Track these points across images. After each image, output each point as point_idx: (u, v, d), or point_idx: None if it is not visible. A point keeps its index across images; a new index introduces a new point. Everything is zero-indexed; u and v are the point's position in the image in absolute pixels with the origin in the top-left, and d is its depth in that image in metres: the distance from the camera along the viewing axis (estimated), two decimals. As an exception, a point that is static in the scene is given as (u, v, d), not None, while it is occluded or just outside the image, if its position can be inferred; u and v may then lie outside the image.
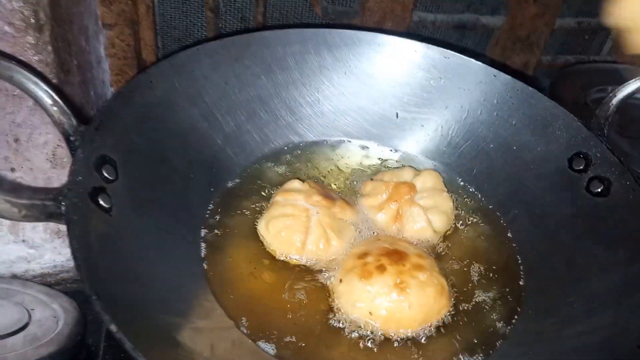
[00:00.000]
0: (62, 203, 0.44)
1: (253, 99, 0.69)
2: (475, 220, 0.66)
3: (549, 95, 0.67)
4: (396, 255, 0.56)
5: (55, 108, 0.50)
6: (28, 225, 0.75)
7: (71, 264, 0.80)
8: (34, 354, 0.65)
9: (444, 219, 0.64)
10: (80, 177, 0.47)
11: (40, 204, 0.42)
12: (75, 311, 0.76)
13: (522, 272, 0.60)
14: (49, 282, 0.83)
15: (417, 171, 0.68)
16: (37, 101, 0.50)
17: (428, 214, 0.63)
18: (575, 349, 0.49)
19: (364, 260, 0.56)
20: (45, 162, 0.69)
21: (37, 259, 0.79)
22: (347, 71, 0.73)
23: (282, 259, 0.59)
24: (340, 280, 0.56)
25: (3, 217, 0.40)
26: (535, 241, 0.62)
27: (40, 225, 0.75)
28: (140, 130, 0.57)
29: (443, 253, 0.62)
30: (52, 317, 0.74)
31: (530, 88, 0.68)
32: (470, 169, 0.70)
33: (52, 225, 0.76)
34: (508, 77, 0.69)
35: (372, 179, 0.69)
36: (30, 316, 0.72)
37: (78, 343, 0.72)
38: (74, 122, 0.51)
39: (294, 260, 0.59)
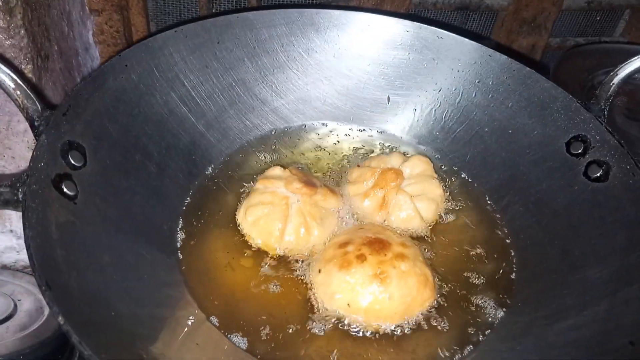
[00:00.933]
0: (19, 190, 0.42)
1: (236, 83, 0.67)
2: (466, 207, 0.63)
3: (552, 78, 0.63)
4: (378, 244, 0.53)
5: (18, 92, 0.48)
6: (14, 216, 0.74)
7: (60, 254, 0.79)
8: (19, 343, 0.64)
9: (432, 206, 0.61)
10: (42, 164, 0.46)
11: (-6, 192, 0.40)
12: (62, 302, 0.75)
13: (514, 263, 0.57)
14: (38, 272, 0.82)
15: (406, 157, 0.65)
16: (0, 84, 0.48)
17: (416, 202, 0.60)
18: (565, 344, 0.46)
19: (344, 250, 0.53)
20: (27, 150, 0.68)
21: (25, 249, 0.78)
22: (335, 53, 0.70)
23: (260, 248, 0.57)
24: (319, 271, 0.54)
25: (-47, 205, 0.38)
26: (529, 230, 0.59)
27: (26, 215, 0.74)
28: (113, 115, 0.55)
29: (431, 242, 0.59)
30: (39, 307, 0.73)
31: (527, 68, 0.64)
32: (464, 154, 0.67)
33: (37, 214, 0.75)
34: (504, 57, 0.66)
35: (358, 165, 0.66)
36: (16, 306, 0.71)
37: (63, 334, 0.71)
38: (39, 106, 0.49)
39: (273, 250, 0.56)
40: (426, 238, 0.60)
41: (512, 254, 0.58)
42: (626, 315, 0.45)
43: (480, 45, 0.67)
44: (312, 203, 0.58)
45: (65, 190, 0.47)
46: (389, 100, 0.70)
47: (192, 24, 0.64)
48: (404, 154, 0.67)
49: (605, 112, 0.59)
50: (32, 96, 0.49)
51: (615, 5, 1.05)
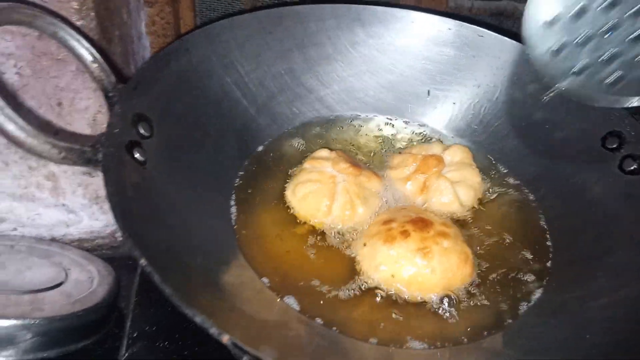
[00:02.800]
0: (100, 150, 0.46)
1: (285, 72, 0.70)
2: (504, 196, 0.65)
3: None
4: (421, 222, 0.56)
5: (95, 65, 0.52)
6: (68, 190, 0.78)
7: (108, 230, 0.84)
8: (68, 308, 0.67)
9: (471, 193, 0.64)
10: (117, 130, 0.49)
11: (79, 149, 0.44)
12: (109, 275, 0.79)
13: (550, 248, 0.60)
14: (85, 247, 0.86)
15: (446, 146, 0.68)
16: (78, 58, 0.52)
17: (455, 188, 0.63)
18: (600, 320, 0.49)
19: (389, 226, 0.56)
20: (86, 127, 0.72)
21: (76, 223, 0.82)
22: (379, 48, 0.73)
23: (307, 223, 0.60)
24: (364, 244, 0.57)
25: (43, 157, 0.42)
26: (564, 218, 0.61)
27: (80, 190, 0.78)
28: (175, 93, 0.59)
29: (470, 226, 0.62)
30: (88, 278, 0.77)
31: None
32: (501, 147, 0.69)
33: (90, 190, 0.79)
34: (543, 55, 0.68)
35: (400, 152, 0.69)
36: (66, 275, 0.75)
37: (110, 305, 0.74)
38: (113, 79, 0.53)
39: (320, 225, 0.60)
40: (465, 222, 0.62)
41: (549, 239, 0.60)
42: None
43: (519, 43, 0.69)
44: (356, 183, 0.61)
45: (136, 155, 0.51)
46: (429, 94, 0.73)
47: (247, 14, 0.68)
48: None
49: (641, 110, 0.61)
50: (108, 69, 0.53)
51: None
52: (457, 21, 0.71)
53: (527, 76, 0.69)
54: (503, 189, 0.66)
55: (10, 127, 0.40)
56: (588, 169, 0.62)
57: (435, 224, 0.57)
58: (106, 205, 0.80)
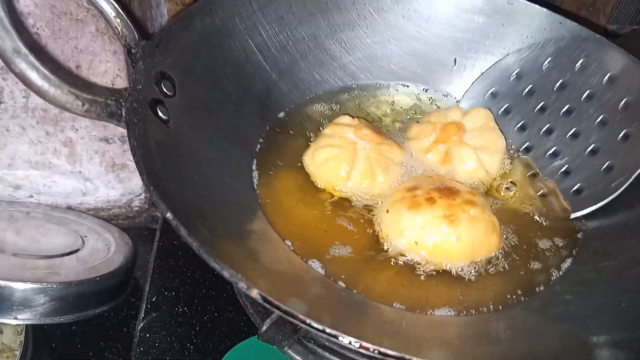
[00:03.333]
0: (123, 105, 0.45)
1: (308, 37, 0.68)
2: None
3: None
4: (447, 190, 0.54)
5: (118, 20, 0.51)
6: (85, 156, 0.77)
7: (124, 199, 0.83)
8: (84, 274, 0.67)
9: (496, 158, 0.61)
10: (140, 86, 0.48)
11: (103, 102, 0.43)
12: (126, 244, 0.78)
13: (582, 218, 0.58)
14: (101, 216, 0.85)
15: (465, 111, 0.65)
16: (101, 13, 0.51)
17: (479, 154, 0.61)
18: (636, 289, 0.47)
19: (413, 193, 0.55)
20: (105, 91, 0.71)
21: (92, 192, 0.81)
22: (405, 14, 0.71)
23: (326, 188, 0.59)
24: (387, 211, 0.55)
25: (66, 108, 0.41)
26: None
27: (96, 158, 0.78)
28: (198, 53, 0.57)
29: (497, 195, 0.60)
30: (104, 245, 0.76)
31: (597, 35, 0.65)
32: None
33: (107, 157, 0.78)
34: (574, 24, 0.66)
35: (418, 122, 0.66)
36: (83, 242, 0.75)
37: (127, 273, 0.74)
38: (136, 35, 0.51)
39: (338, 192, 0.58)
40: (491, 190, 0.61)
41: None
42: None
43: (550, 11, 0.67)
44: (378, 151, 0.60)
45: (159, 113, 0.49)
46: (455, 63, 0.71)
47: (270, -24, 0.66)
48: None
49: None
50: (131, 25, 0.51)
51: (677, -6, 1.04)
52: (487, -13, 0.69)
53: (556, 44, 0.67)
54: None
55: (33, 76, 0.39)
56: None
57: (462, 192, 0.55)
58: (123, 174, 0.80)
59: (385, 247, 0.53)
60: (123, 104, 0.45)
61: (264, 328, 0.47)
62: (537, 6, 0.68)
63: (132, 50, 0.51)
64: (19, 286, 0.61)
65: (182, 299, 0.62)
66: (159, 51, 0.52)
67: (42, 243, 0.74)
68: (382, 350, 0.34)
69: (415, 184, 0.57)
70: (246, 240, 0.49)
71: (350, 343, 0.35)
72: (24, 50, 0.39)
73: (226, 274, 0.35)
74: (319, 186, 0.59)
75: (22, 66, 0.39)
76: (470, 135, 0.63)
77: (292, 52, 0.68)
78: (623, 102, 0.61)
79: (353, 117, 0.63)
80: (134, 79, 0.48)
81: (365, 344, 0.34)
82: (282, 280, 0.46)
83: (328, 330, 0.34)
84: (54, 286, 0.63)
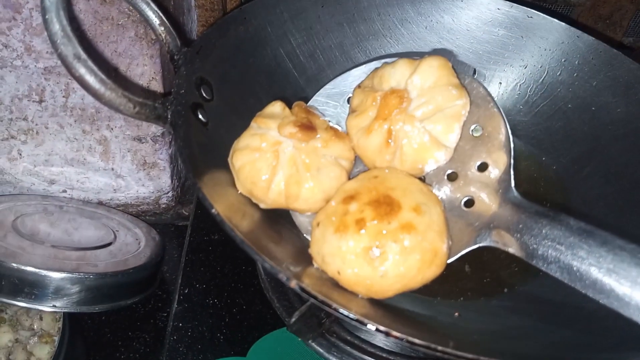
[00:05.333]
0: (169, 108, 0.48)
1: (335, 46, 0.71)
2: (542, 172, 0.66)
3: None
4: (385, 206, 0.46)
5: (162, 28, 0.54)
6: (118, 154, 0.81)
7: (153, 196, 0.86)
8: (116, 266, 0.71)
9: (452, 123, 0.50)
10: (183, 91, 0.51)
11: (152, 105, 0.46)
12: (154, 239, 0.82)
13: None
14: (130, 212, 0.89)
15: (415, 63, 0.53)
16: (146, 20, 0.54)
17: (431, 124, 0.50)
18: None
19: (346, 208, 0.47)
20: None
21: (122, 188, 0.85)
22: (428, 25, 0.74)
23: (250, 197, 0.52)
24: (318, 224, 0.48)
25: (119, 110, 0.44)
26: (608, 198, 0.62)
27: (129, 155, 0.81)
28: (233, 60, 0.61)
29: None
30: (135, 240, 0.80)
31: (614, 50, 0.67)
32: (547, 127, 0.70)
33: (139, 156, 0.81)
34: (591, 38, 0.69)
35: (359, 86, 0.56)
36: (115, 236, 0.78)
37: (156, 266, 0.77)
38: (178, 42, 0.55)
39: (260, 202, 0.52)
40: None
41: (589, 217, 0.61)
42: None
43: (568, 26, 0.70)
44: (308, 150, 0.51)
45: (200, 116, 0.53)
46: (475, 73, 0.74)
47: (301, -13, 0.69)
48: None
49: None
50: (174, 32, 0.55)
51: (693, 8, 1.06)
52: (507, 1, 0.72)
53: (574, 58, 0.69)
54: (547, 169, 0.67)
55: (92, 80, 0.42)
56: (634, 151, 0.63)
57: (404, 208, 0.46)
58: (153, 172, 0.83)
59: (315, 265, 0.49)
60: (169, 107, 0.48)
61: (294, 320, 0.50)
62: (555, 20, 0.71)
63: (175, 57, 0.54)
64: (57, 275, 0.65)
65: (212, 291, 0.66)
66: (199, 58, 0.56)
67: (75, 236, 0.77)
68: (410, 339, 0.36)
69: (354, 190, 0.49)
70: (279, 232, 0.52)
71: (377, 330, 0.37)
72: (84, 55, 0.42)
73: (267, 265, 0.38)
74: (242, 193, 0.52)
75: (82, 71, 0.42)
76: (418, 100, 0.51)
77: (319, 60, 0.71)
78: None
79: (290, 104, 0.55)
80: (178, 83, 0.51)
81: (395, 333, 0.37)
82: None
83: (361, 319, 0.37)
84: (90, 277, 0.67)
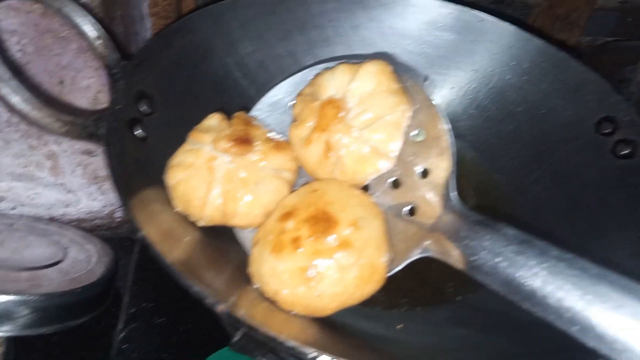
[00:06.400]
0: (102, 125, 0.47)
1: (286, 54, 0.70)
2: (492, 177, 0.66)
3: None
4: (323, 223, 0.45)
5: (100, 41, 0.53)
6: (67, 169, 0.79)
7: (106, 210, 0.84)
8: (66, 285, 0.69)
9: (393, 131, 0.49)
10: (119, 106, 0.50)
11: (82, 123, 0.45)
12: (107, 254, 0.80)
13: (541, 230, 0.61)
14: (84, 227, 0.87)
15: (356, 68, 0.52)
16: (83, 34, 0.53)
17: (370, 133, 0.49)
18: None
19: (283, 226, 0.46)
20: (88, 106, 0.73)
21: (74, 203, 0.83)
22: (380, 31, 0.74)
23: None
24: (256, 243, 0.48)
25: (46, 130, 0.43)
26: (556, 202, 0.62)
27: (79, 170, 0.79)
28: (177, 72, 0.59)
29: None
30: (86, 256, 0.78)
31: (563, 52, 0.68)
32: (497, 131, 0.70)
33: (89, 170, 0.80)
34: (540, 41, 0.69)
35: (300, 94, 0.55)
36: (65, 254, 0.76)
37: (108, 283, 0.75)
38: (117, 56, 0.53)
39: (197, 221, 0.50)
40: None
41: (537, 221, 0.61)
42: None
43: (518, 28, 0.70)
44: (247, 164, 0.49)
45: (137, 132, 0.51)
46: (427, 79, 0.74)
47: (250, -6, 0.68)
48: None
49: (635, 95, 0.62)
50: (112, 46, 0.53)
51: (648, 8, 1.08)
52: (458, 5, 0.71)
53: (524, 62, 0.69)
54: (498, 172, 0.67)
55: (16, 99, 0.41)
56: (582, 154, 0.63)
57: (342, 224, 0.45)
58: (105, 186, 0.81)
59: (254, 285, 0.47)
60: (102, 124, 0.47)
61: (236, 339, 0.49)
62: (505, 23, 0.71)
63: (113, 70, 0.53)
64: (1, 299, 0.63)
65: (160, 310, 0.64)
66: (138, 70, 0.54)
67: (24, 255, 0.75)
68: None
69: (292, 205, 0.48)
70: (220, 251, 0.51)
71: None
72: (7, 75, 0.41)
73: (194, 290, 0.37)
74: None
75: (5, 90, 0.41)
76: (357, 109, 0.50)
77: (270, 68, 0.70)
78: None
79: (227, 116, 0.54)
80: (114, 98, 0.50)
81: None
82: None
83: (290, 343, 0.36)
84: (36, 298, 0.64)
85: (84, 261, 0.77)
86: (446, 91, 0.74)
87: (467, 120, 0.72)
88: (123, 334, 0.62)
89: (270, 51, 0.70)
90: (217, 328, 0.62)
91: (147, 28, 0.89)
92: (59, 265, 0.74)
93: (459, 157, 0.68)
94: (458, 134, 0.70)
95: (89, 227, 0.87)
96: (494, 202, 0.66)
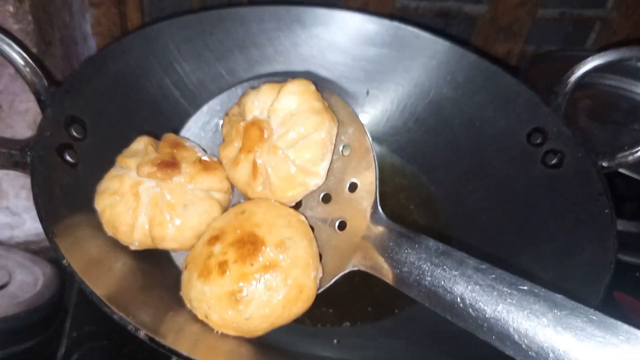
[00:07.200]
0: (28, 154, 0.47)
1: (227, 73, 0.71)
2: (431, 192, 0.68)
3: (522, 80, 0.68)
4: (249, 246, 0.46)
5: (27, 69, 0.53)
6: (11, 192, 0.78)
7: (53, 232, 0.83)
8: (11, 309, 0.68)
9: (316, 150, 0.50)
10: (48, 133, 0.50)
11: (7, 152, 0.45)
12: (55, 277, 0.79)
13: (472, 239, 0.63)
14: (32, 249, 0.86)
15: (280, 85, 0.53)
16: (10, 62, 0.53)
17: (296, 152, 0.50)
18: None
19: (210, 250, 0.47)
20: (27, 130, 0.72)
21: (21, 225, 0.82)
22: (320, 49, 0.75)
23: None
24: (186, 266, 0.48)
25: (-32, 161, 0.42)
26: (490, 211, 0.64)
27: (23, 192, 0.78)
28: (111, 95, 0.60)
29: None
30: (33, 279, 0.77)
31: (494, 66, 0.70)
32: (435, 143, 0.72)
33: (34, 192, 0.79)
34: (474, 56, 0.71)
35: (227, 114, 0.56)
36: (10, 277, 0.75)
37: (55, 306, 0.75)
38: (45, 82, 0.53)
39: (127, 244, 0.50)
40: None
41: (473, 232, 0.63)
42: (569, 281, 0.51)
43: (452, 44, 0.72)
44: (174, 187, 0.49)
45: (67, 158, 0.51)
46: (368, 94, 0.76)
47: (186, 16, 0.69)
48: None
49: (563, 107, 0.65)
50: (40, 73, 0.53)
51: (586, 17, 1.12)
52: (394, 22, 0.73)
53: (459, 76, 0.71)
54: (432, 184, 0.69)
55: None
56: (514, 164, 0.65)
57: (268, 246, 0.46)
58: (51, 207, 0.81)
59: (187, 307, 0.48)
60: (29, 152, 0.47)
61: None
62: (440, 39, 0.73)
63: (42, 98, 0.53)
64: (-57, 325, 0.62)
65: (102, 333, 0.64)
66: (69, 96, 0.55)
67: (-32, 280, 0.74)
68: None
69: (219, 229, 0.48)
70: (153, 274, 0.51)
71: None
72: None
73: (116, 317, 0.38)
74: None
75: None
76: (280, 129, 0.51)
77: (209, 87, 0.70)
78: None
79: (154, 137, 0.54)
80: (41, 126, 0.50)
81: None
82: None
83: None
84: (-21, 323, 0.64)
85: (31, 284, 0.76)
86: (387, 105, 0.75)
87: (407, 133, 0.74)
88: (66, 358, 0.61)
89: (210, 70, 0.71)
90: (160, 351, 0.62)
91: (92, 48, 0.89)
92: (5, 289, 0.73)
93: (398, 171, 0.71)
94: (398, 147, 0.73)
95: (37, 249, 0.86)
96: (433, 214, 0.68)
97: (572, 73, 0.66)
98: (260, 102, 0.52)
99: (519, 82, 0.68)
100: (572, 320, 0.36)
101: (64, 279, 0.79)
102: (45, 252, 0.86)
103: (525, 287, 0.40)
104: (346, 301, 0.56)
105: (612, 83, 0.96)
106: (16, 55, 0.53)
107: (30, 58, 0.53)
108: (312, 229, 0.51)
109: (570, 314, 0.36)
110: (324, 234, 0.52)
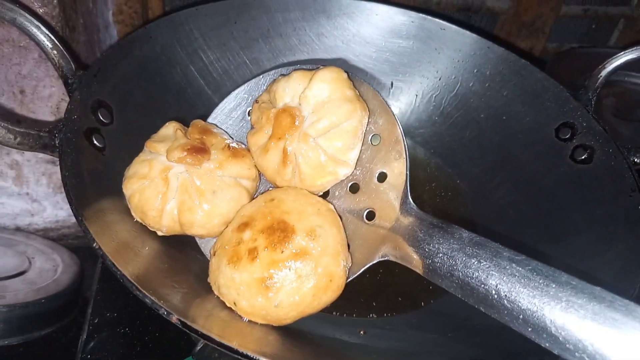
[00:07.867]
0: (57, 136, 0.47)
1: (250, 62, 0.71)
2: (457, 185, 0.67)
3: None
4: (279, 233, 0.45)
5: (55, 52, 0.53)
6: (32, 179, 0.78)
7: (72, 219, 0.83)
8: (31, 295, 0.68)
9: (349, 139, 0.49)
10: (75, 116, 0.50)
11: (35, 134, 0.45)
12: (74, 264, 0.79)
13: (500, 234, 0.62)
14: (51, 236, 0.86)
15: (310, 74, 0.52)
16: (38, 44, 0.52)
17: (328, 141, 0.49)
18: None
19: (240, 236, 0.46)
20: (50, 115, 0.72)
21: (40, 212, 0.82)
22: (344, 40, 0.74)
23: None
24: (214, 253, 0.47)
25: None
26: (517, 206, 0.63)
27: (44, 179, 0.78)
28: (137, 81, 0.59)
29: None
30: (52, 266, 0.77)
31: (523, 60, 0.69)
32: (461, 137, 0.71)
33: (55, 179, 0.79)
34: (501, 49, 0.70)
35: (257, 101, 0.54)
36: (30, 263, 0.75)
37: (74, 293, 0.75)
38: (73, 66, 0.53)
39: (156, 230, 0.50)
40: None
41: (499, 226, 0.62)
42: (602, 274, 0.50)
43: (479, 37, 0.71)
44: (204, 173, 0.49)
45: (95, 142, 0.51)
46: (392, 86, 0.75)
47: (212, 3, 0.68)
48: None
49: (593, 102, 0.63)
50: (67, 56, 0.53)
51: (610, 15, 1.11)
52: (421, 14, 0.72)
53: (485, 69, 0.70)
54: (459, 179, 0.68)
55: (-37, 111, 0.40)
56: (542, 159, 0.64)
57: (298, 233, 0.45)
58: (71, 194, 0.80)
59: (215, 294, 0.47)
60: (57, 134, 0.47)
61: (198, 348, 0.49)
62: (467, 32, 0.72)
63: (69, 81, 0.52)
64: (-37, 311, 0.62)
65: (123, 320, 0.64)
66: (96, 80, 0.54)
67: (-12, 265, 0.74)
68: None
69: (249, 215, 0.47)
70: (180, 260, 0.50)
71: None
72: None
73: (148, 301, 0.37)
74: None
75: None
76: (312, 117, 0.50)
77: (234, 76, 0.70)
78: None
79: (186, 124, 0.54)
80: (69, 109, 0.49)
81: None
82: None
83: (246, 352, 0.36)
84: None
85: (50, 271, 0.76)
86: (411, 98, 0.74)
87: (432, 127, 0.73)
88: (87, 344, 0.61)
89: (234, 59, 0.70)
90: (181, 337, 0.61)
91: (113, 36, 0.88)
92: (25, 276, 0.73)
93: (423, 164, 0.70)
94: (422, 140, 0.72)
95: (55, 236, 0.86)
96: (458, 207, 0.67)
97: (603, 68, 0.64)
98: (291, 89, 0.51)
99: (547, 77, 0.67)
100: (611, 312, 0.35)
101: (83, 266, 0.79)
102: (64, 239, 0.86)
103: (563, 279, 0.38)
104: (372, 292, 0.55)
105: (636, 81, 0.95)
106: (44, 37, 0.52)
107: (58, 40, 0.52)
108: (340, 218, 0.50)
109: (609, 307, 0.35)
110: (351, 224, 0.51)
